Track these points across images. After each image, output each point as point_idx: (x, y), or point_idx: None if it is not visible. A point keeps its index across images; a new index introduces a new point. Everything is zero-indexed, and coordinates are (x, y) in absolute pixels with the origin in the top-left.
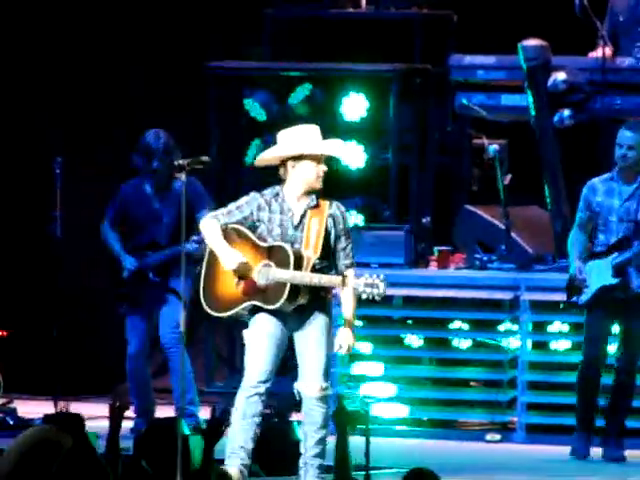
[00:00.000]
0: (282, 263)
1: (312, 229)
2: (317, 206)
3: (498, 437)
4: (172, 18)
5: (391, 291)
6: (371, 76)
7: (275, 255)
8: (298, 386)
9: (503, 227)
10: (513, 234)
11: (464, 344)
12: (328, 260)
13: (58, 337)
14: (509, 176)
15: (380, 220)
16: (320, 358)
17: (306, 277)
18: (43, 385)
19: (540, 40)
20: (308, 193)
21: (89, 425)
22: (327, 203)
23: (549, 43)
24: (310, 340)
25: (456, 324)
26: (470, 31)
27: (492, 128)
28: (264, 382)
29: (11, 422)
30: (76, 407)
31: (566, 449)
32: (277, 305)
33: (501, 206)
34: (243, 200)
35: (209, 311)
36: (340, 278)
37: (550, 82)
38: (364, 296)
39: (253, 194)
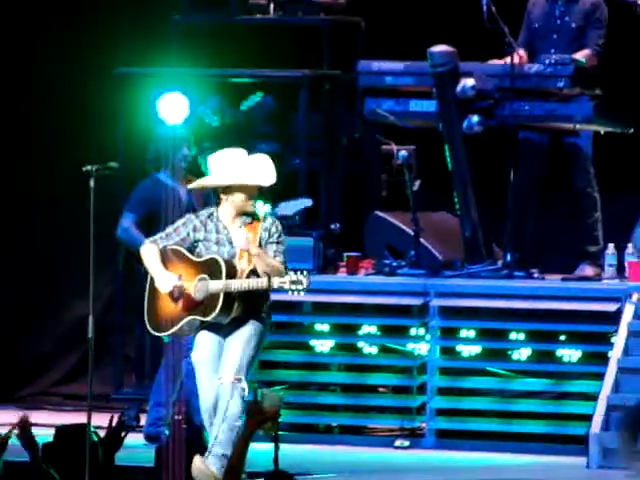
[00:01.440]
0: (215, 274)
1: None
2: (251, 223)
3: (407, 443)
4: (82, 22)
5: (300, 297)
6: (280, 82)
7: (209, 268)
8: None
9: (412, 233)
10: (422, 240)
11: (373, 350)
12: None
13: None
14: (418, 182)
15: (289, 226)
16: (238, 352)
17: (236, 283)
18: None
19: (448, 46)
20: (241, 214)
21: None
22: (262, 223)
23: (457, 49)
24: (234, 338)
25: (365, 330)
26: (378, 37)
27: (401, 134)
28: (213, 407)
29: None
30: None
31: (476, 454)
32: (212, 315)
33: (410, 212)
34: (180, 222)
35: (152, 332)
36: (266, 279)
37: (459, 88)
38: (290, 293)
39: (188, 216)
